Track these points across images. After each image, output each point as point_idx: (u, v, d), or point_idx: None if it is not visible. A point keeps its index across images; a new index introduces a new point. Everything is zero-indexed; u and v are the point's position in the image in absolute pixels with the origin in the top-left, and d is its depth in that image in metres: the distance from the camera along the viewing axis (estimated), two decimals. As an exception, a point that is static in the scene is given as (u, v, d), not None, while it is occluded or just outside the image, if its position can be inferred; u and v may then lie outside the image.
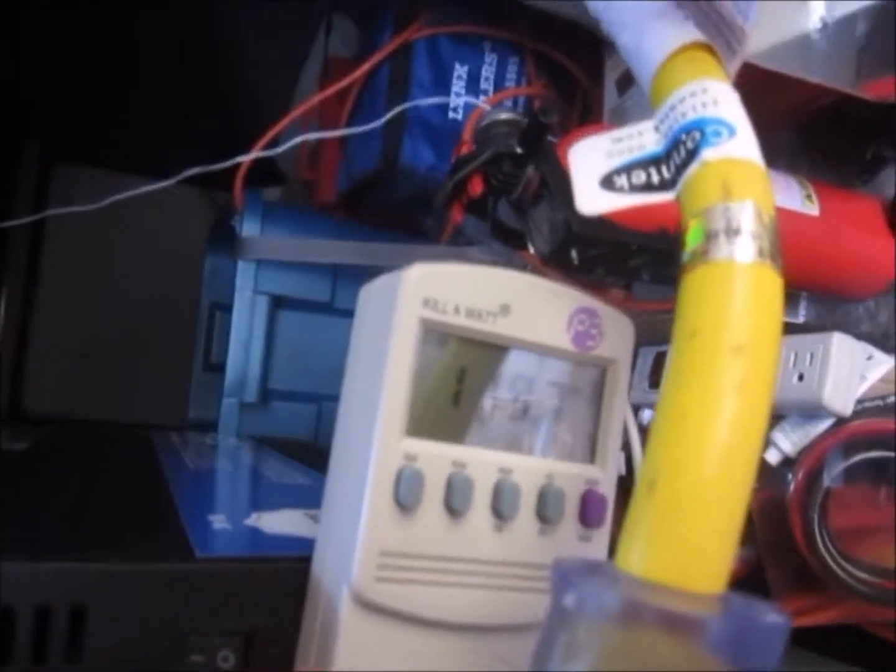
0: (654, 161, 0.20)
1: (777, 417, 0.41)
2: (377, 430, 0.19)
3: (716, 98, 0.19)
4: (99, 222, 0.82)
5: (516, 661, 0.21)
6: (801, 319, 0.49)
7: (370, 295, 0.22)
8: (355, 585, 0.19)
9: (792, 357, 0.39)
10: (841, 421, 0.39)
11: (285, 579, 0.22)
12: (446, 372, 0.21)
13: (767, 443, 0.41)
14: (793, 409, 0.39)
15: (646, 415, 0.48)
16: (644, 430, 0.46)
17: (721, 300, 0.16)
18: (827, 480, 0.39)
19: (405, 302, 0.20)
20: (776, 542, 0.40)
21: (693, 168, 0.18)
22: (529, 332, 0.21)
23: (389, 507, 0.20)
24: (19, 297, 0.86)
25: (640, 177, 0.21)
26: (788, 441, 0.40)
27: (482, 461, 0.21)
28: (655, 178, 0.20)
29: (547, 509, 0.21)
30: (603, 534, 0.22)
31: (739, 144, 0.18)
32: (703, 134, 0.19)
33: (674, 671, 0.13)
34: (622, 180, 0.21)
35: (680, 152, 0.19)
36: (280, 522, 0.26)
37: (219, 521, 0.26)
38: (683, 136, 0.19)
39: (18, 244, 0.84)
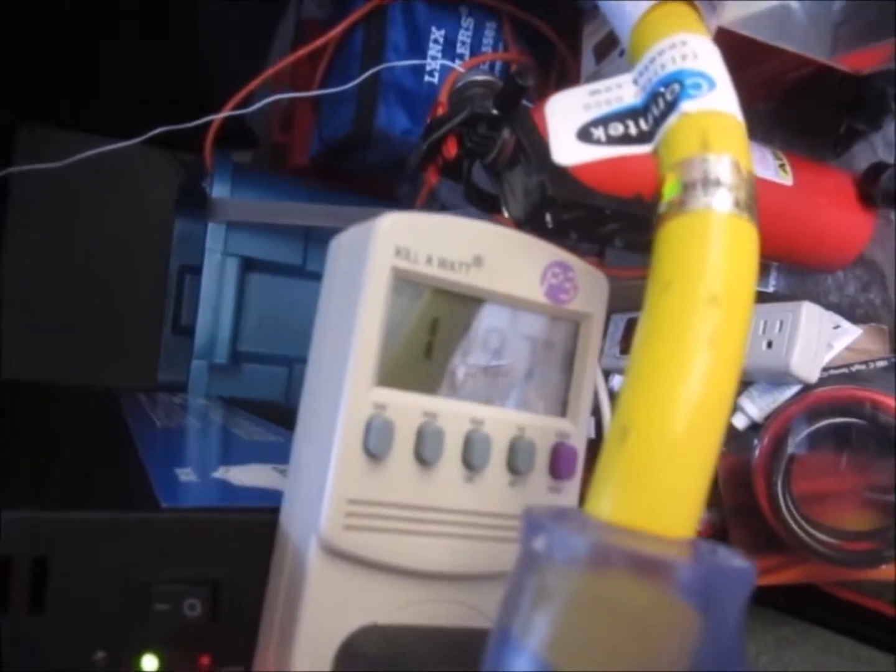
0: (632, 113, 0.20)
1: (745, 383, 0.41)
2: (347, 378, 0.19)
3: (695, 51, 0.19)
4: (65, 184, 0.81)
5: (486, 609, 0.21)
6: (771, 289, 0.49)
7: (341, 245, 0.22)
8: (323, 533, 0.19)
9: (761, 325, 0.39)
10: (807, 388, 0.39)
11: (252, 529, 0.21)
12: (418, 323, 0.20)
13: (735, 408, 0.41)
14: (761, 376, 0.40)
15: (616, 381, 0.48)
16: (615, 396, 0.46)
17: (696, 250, 0.16)
18: (791, 446, 0.40)
19: (377, 251, 0.19)
20: (741, 505, 0.41)
21: (671, 120, 0.18)
22: (502, 284, 0.21)
23: (358, 456, 0.19)
24: (-16, 261, 0.84)
25: (617, 129, 0.20)
26: (755, 406, 0.41)
27: (453, 412, 0.21)
28: (633, 130, 0.20)
29: (518, 461, 0.21)
30: (573, 486, 0.22)
31: (719, 97, 0.18)
32: (682, 86, 0.18)
33: (642, 614, 0.13)
34: (599, 132, 0.21)
35: (658, 104, 0.19)
36: (248, 475, 0.26)
37: (185, 474, 0.25)
38: (662, 89, 0.19)
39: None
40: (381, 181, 0.70)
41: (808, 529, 0.38)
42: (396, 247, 0.20)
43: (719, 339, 0.15)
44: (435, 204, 0.57)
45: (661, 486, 0.14)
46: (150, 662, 0.21)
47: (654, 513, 0.14)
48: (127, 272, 0.90)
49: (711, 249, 0.16)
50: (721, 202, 0.16)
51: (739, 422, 0.41)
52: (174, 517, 0.21)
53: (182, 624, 0.21)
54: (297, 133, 0.75)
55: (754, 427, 0.41)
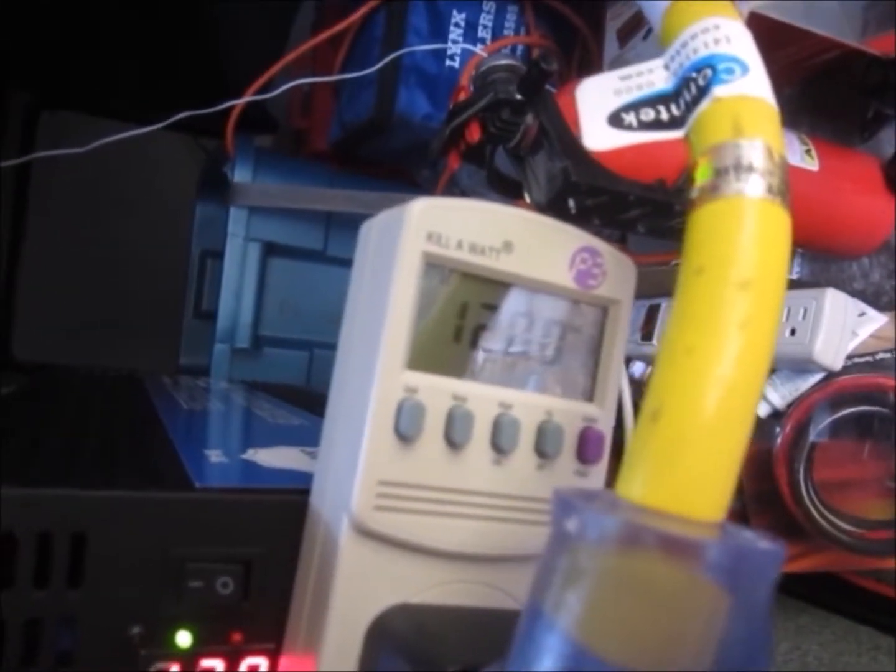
0: (664, 98, 0.20)
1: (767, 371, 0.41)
2: (379, 362, 0.19)
3: (728, 35, 0.19)
4: (87, 169, 0.82)
5: (513, 591, 0.22)
6: (795, 276, 0.49)
7: (372, 229, 0.22)
8: (355, 514, 0.20)
9: (785, 312, 0.39)
10: (830, 376, 0.39)
11: (283, 509, 0.22)
12: (448, 307, 0.21)
13: (757, 396, 0.41)
14: (784, 364, 0.40)
15: (637, 367, 0.48)
16: (635, 383, 0.46)
17: (729, 235, 0.16)
18: (814, 434, 0.39)
19: (408, 235, 0.20)
20: (762, 493, 0.41)
21: (704, 105, 0.18)
22: (531, 269, 0.21)
23: (390, 438, 0.20)
24: (7, 245, 0.85)
25: (648, 114, 0.20)
26: (778, 394, 0.41)
27: (482, 396, 0.21)
28: (665, 116, 0.20)
29: (545, 445, 0.21)
30: (600, 470, 0.22)
31: (752, 82, 0.18)
32: (714, 71, 0.18)
33: (672, 595, 0.14)
34: (630, 117, 0.21)
35: (690, 89, 0.19)
36: (277, 458, 0.27)
37: (216, 456, 0.26)
38: (694, 74, 0.19)
39: (5, 191, 0.83)
40: (402, 166, 0.70)
41: (829, 518, 0.38)
42: (428, 232, 0.20)
43: (751, 323, 0.15)
44: (455, 189, 0.57)
45: (691, 469, 0.14)
46: (184, 637, 0.21)
47: (684, 495, 0.14)
48: (148, 257, 0.91)
49: (744, 235, 0.16)
50: (753, 188, 0.16)
51: (761, 409, 0.41)
52: (208, 497, 0.21)
53: (215, 601, 0.21)
54: (317, 117, 0.75)
55: (776, 415, 0.41)
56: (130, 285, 0.91)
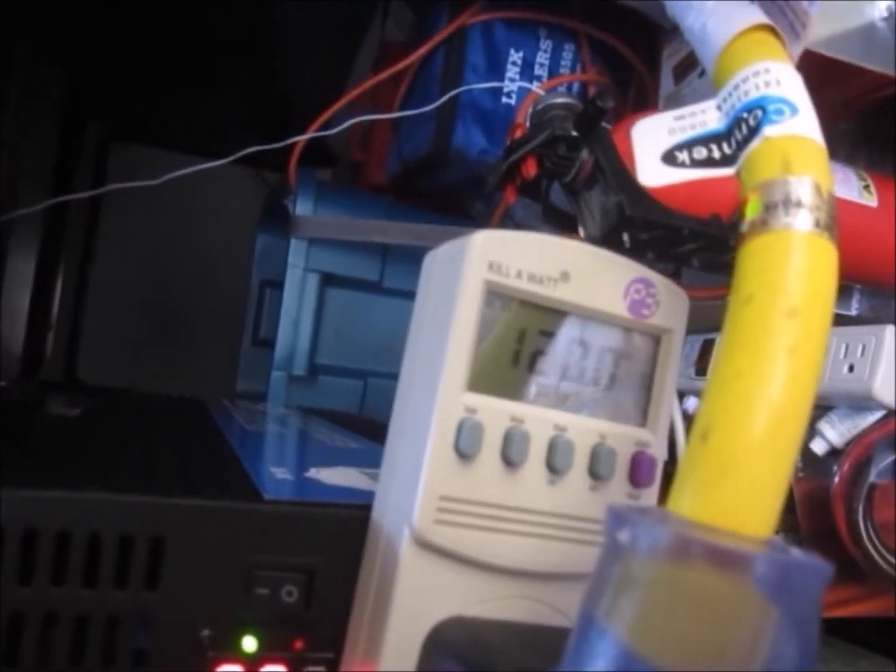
0: (716, 138, 0.21)
1: (825, 408, 0.41)
2: (441, 383, 0.21)
3: (779, 78, 0.20)
4: (154, 200, 0.85)
5: (562, 607, 0.22)
6: (854, 312, 0.48)
7: (436, 259, 0.23)
8: (416, 526, 0.21)
9: (843, 348, 0.39)
10: (890, 414, 0.39)
11: (346, 522, 0.23)
12: (507, 333, 0.22)
13: (814, 433, 0.41)
14: (842, 401, 0.40)
15: (691, 402, 0.48)
16: (688, 418, 0.46)
17: (777, 266, 0.17)
18: (873, 473, 0.39)
19: (471, 265, 0.21)
20: (819, 531, 0.40)
21: (754, 144, 0.19)
22: (587, 299, 0.22)
23: (450, 455, 0.21)
24: (76, 271, 0.89)
25: (701, 152, 0.21)
26: (836, 432, 0.40)
27: (539, 418, 0.22)
28: (717, 154, 0.21)
29: (598, 467, 0.22)
30: (651, 494, 0.23)
31: (801, 123, 0.19)
32: (765, 112, 0.19)
33: (720, 605, 0.14)
34: (684, 155, 0.22)
35: (742, 129, 0.20)
36: (338, 476, 0.28)
37: (281, 472, 0.27)
38: (745, 114, 0.20)
39: (77, 220, 0.87)
40: (456, 199, 0.71)
41: (889, 560, 0.38)
42: (489, 261, 0.21)
43: (798, 349, 0.16)
44: (509, 222, 0.58)
45: (739, 486, 0.15)
46: (249, 642, 0.22)
47: (732, 511, 0.15)
48: (210, 285, 0.94)
49: (792, 266, 0.17)
50: (802, 222, 0.17)
51: (819, 447, 0.41)
52: (277, 509, 0.23)
53: (280, 608, 0.22)
54: (375, 151, 0.77)
55: (834, 452, 0.40)
56: (192, 312, 0.94)
